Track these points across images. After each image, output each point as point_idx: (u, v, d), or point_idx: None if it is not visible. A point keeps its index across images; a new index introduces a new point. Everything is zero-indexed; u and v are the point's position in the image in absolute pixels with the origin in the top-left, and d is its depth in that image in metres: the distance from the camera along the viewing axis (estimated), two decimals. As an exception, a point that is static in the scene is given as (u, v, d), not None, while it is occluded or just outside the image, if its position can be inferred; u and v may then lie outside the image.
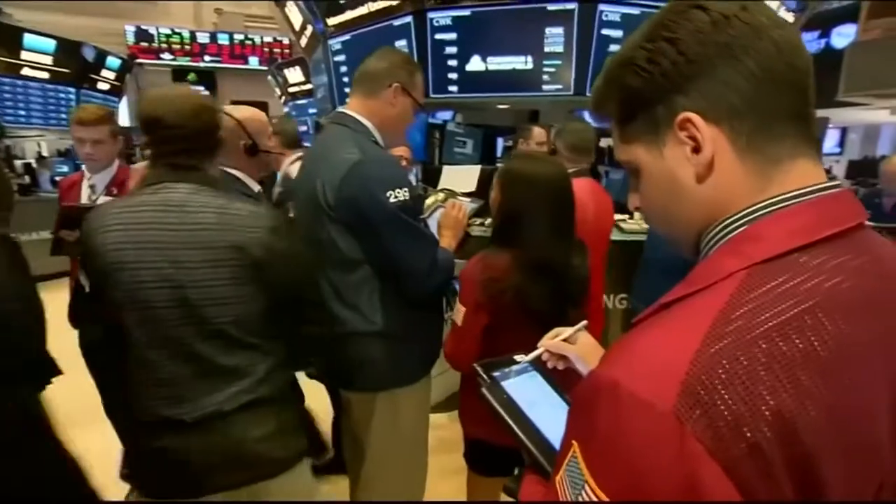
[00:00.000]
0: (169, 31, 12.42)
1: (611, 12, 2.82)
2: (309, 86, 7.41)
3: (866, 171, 7.47)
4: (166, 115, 0.97)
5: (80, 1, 11.22)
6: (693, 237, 0.45)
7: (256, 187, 1.47)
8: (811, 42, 7.50)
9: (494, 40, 2.99)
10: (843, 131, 9.66)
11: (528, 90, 2.97)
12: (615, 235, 2.22)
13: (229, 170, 1.37)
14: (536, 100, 3.18)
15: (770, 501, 0.31)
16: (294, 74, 8.41)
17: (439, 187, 3.09)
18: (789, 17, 3.35)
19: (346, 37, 4.00)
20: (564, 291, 1.16)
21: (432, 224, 1.43)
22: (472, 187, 3.09)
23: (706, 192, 0.42)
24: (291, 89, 8.74)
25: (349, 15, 3.84)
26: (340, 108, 1.36)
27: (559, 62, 2.88)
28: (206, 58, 12.97)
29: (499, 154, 3.95)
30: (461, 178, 3.03)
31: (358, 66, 1.37)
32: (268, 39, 13.54)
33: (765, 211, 0.40)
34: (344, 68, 4.04)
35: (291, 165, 2.32)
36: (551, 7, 2.84)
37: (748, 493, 0.30)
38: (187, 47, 12.67)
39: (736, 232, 0.41)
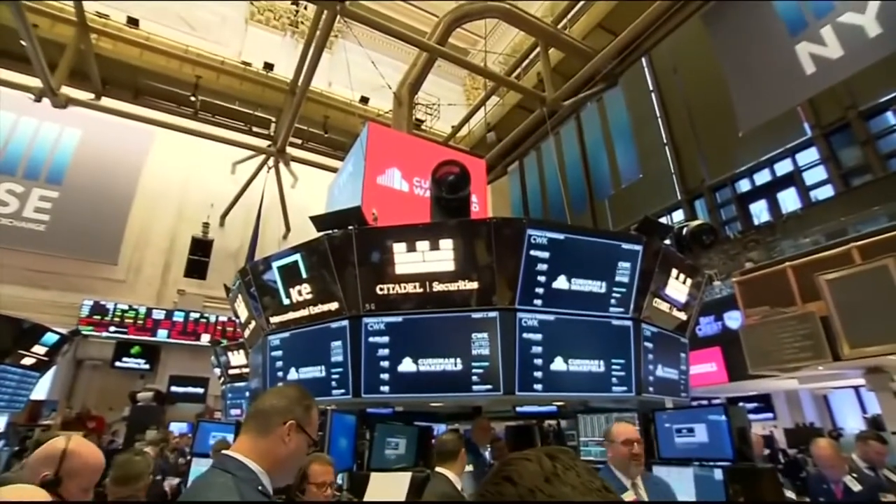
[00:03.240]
0: (126, 307, 12.74)
1: (528, 318, 3.14)
2: (247, 370, 7.33)
3: (803, 440, 7.61)
4: None
5: (49, 274, 11.70)
6: None
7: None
8: (710, 324, 8.63)
9: (425, 344, 3.17)
10: (768, 397, 10.21)
11: (458, 391, 3.01)
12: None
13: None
14: (471, 398, 3.20)
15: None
16: (237, 357, 8.39)
17: (366, 498, 2.76)
18: (682, 315, 3.84)
19: (286, 334, 4.15)
20: None
21: None
22: (401, 496, 2.78)
23: None
24: (232, 371, 8.58)
25: (290, 315, 4.08)
26: (228, 452, 1.25)
27: (486, 363, 3.03)
28: (160, 332, 13.10)
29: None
30: (390, 486, 2.75)
31: (254, 403, 1.32)
32: (223, 318, 14.03)
33: None
34: (279, 363, 4.06)
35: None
36: (475, 315, 3.15)
37: None
38: (140, 322, 12.87)
39: None
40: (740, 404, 9.43)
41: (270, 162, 13.63)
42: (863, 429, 6.10)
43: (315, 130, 14.30)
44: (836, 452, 3.79)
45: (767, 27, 7.69)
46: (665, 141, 16.88)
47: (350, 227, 3.41)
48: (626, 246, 3.30)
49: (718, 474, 3.81)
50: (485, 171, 9.03)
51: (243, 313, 5.48)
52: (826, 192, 13.04)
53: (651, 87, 17.51)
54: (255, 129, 13.94)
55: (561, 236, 3.16)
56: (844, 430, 8.95)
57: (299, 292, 3.88)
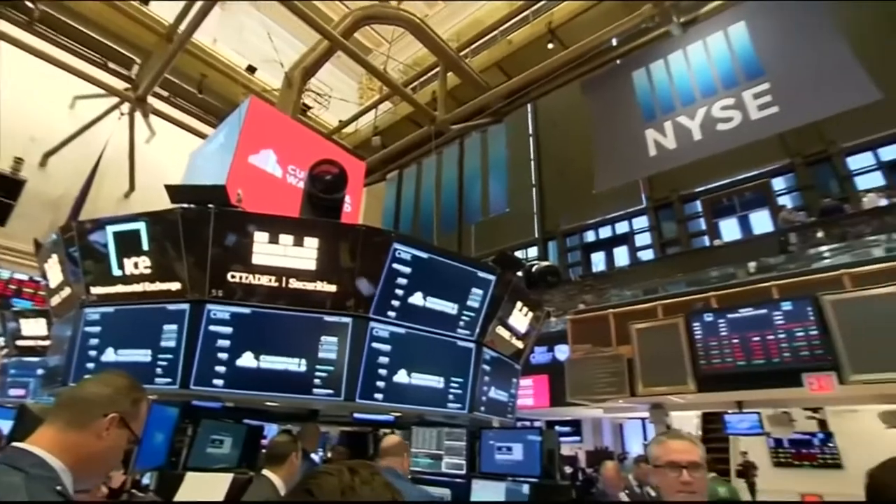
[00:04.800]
0: None
1: (380, 329, 3.22)
2: (46, 343, 6.21)
3: (598, 460, 8.82)
4: None
5: None
6: None
7: None
8: (542, 354, 9.63)
9: (271, 340, 3.05)
10: (579, 423, 11.66)
11: (299, 392, 2.95)
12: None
13: None
14: (310, 401, 3.15)
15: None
16: (33, 326, 7.04)
17: (176, 500, 2.54)
18: (519, 344, 4.26)
19: (109, 309, 3.64)
20: None
21: None
22: (217, 499, 2.61)
23: None
24: (22, 342, 7.16)
25: (119, 289, 3.60)
26: (21, 444, 1.07)
27: (332, 368, 3.02)
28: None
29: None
30: (206, 488, 2.57)
31: (69, 390, 1.16)
32: (22, 276, 11.69)
33: None
34: (95, 341, 3.54)
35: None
36: (328, 318, 3.13)
37: None
38: None
39: None
40: (556, 428, 10.62)
41: (125, 108, 11.86)
42: (641, 453, 7.32)
43: (188, 87, 12.87)
44: (618, 474, 4.52)
45: (628, 108, 9.02)
46: (534, 183, 18.57)
47: (210, 206, 3.16)
48: (481, 274, 3.58)
49: (525, 489, 4.28)
50: (363, 174, 9.00)
51: (55, 277, 4.66)
52: (648, 254, 15.52)
53: (531, 132, 19.19)
54: (111, 65, 12.05)
55: (425, 255, 3.31)
56: (629, 454, 10.60)
57: (135, 265, 3.45)
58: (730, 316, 6.81)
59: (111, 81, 11.78)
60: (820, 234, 10.64)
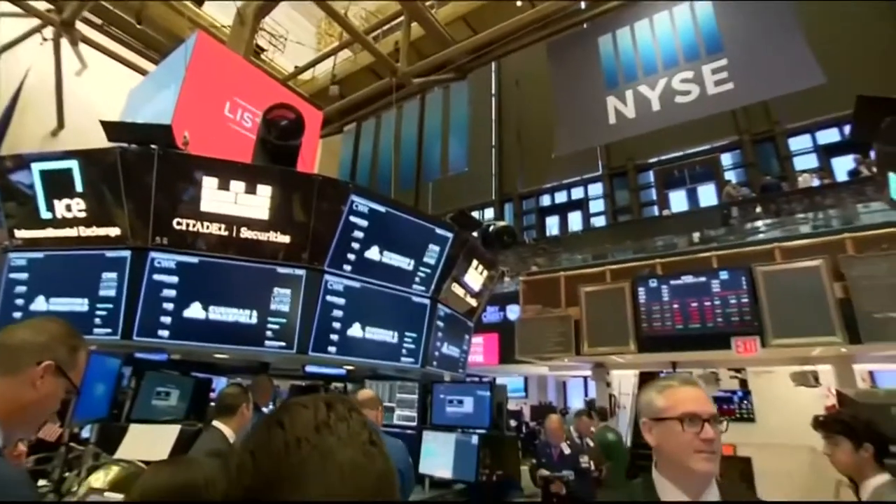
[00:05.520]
0: None
1: (335, 282, 3.17)
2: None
3: (542, 414, 9.31)
4: None
5: None
6: None
7: None
8: (493, 313, 9.87)
9: (220, 291, 2.94)
10: (526, 380, 12.18)
11: (249, 344, 2.88)
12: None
13: None
14: (261, 353, 3.09)
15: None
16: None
17: (116, 455, 2.47)
18: (473, 302, 4.33)
19: (39, 255, 3.38)
20: None
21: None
22: (164, 454, 2.56)
23: None
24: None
25: (49, 233, 3.33)
26: None
27: (284, 320, 2.96)
28: None
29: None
30: (152, 440, 2.50)
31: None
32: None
33: None
34: (22, 288, 3.29)
35: None
36: (281, 270, 3.04)
37: None
38: None
39: None
40: (503, 382, 11.04)
41: (49, 33, 10.66)
42: (581, 408, 7.80)
43: (125, 16, 11.68)
44: (560, 426, 4.79)
45: (591, 74, 9.01)
46: (493, 144, 18.49)
47: (153, 147, 2.94)
48: (439, 231, 3.56)
49: (475, 440, 4.48)
50: (320, 123, 8.63)
51: (-28, 217, 4.26)
52: (601, 221, 16.00)
53: (493, 93, 18.93)
54: (32, -17, 10.71)
55: (382, 209, 3.25)
56: (570, 409, 11.26)
57: (68, 207, 3.19)
58: (672, 283, 7.20)
59: (32, 1, 10.50)
60: (758, 210, 11.31)
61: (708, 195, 14.44)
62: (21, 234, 3.42)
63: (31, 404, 1.04)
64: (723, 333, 6.64)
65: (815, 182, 11.73)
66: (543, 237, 15.99)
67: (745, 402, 8.85)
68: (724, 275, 6.90)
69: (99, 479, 2.03)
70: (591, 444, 5.36)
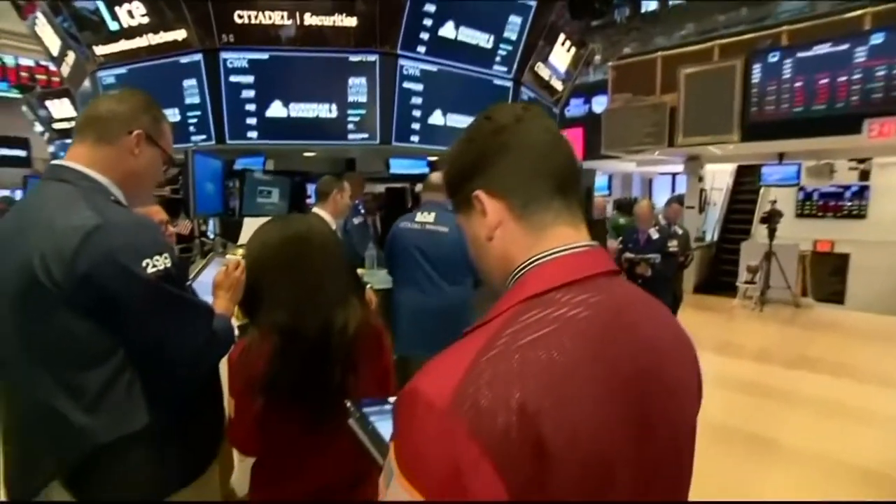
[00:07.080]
0: None
1: (411, 67, 2.95)
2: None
3: (625, 208, 9.23)
4: None
5: None
6: (500, 282, 0.56)
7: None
8: (578, 107, 9.14)
9: (296, 87, 2.86)
10: (610, 177, 11.87)
11: (333, 138, 2.89)
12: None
13: None
14: (347, 147, 3.12)
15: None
16: (60, 108, 7.02)
17: (240, 242, 2.78)
18: (559, 85, 3.94)
19: (122, 70, 3.44)
20: (323, 359, 1.04)
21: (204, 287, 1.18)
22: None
23: (497, 247, 0.55)
24: (58, 125, 7.26)
25: (123, 46, 3.31)
26: (58, 161, 1.02)
27: (364, 111, 2.88)
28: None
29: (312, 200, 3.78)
30: (266, 229, 2.77)
31: (85, 110, 1.07)
32: (27, 62, 11.27)
33: (535, 263, 0.52)
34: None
35: None
36: (353, 58, 2.85)
37: (505, 469, 0.38)
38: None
39: (517, 278, 0.53)
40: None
41: None
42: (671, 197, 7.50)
43: None
44: (650, 211, 4.68)
45: None
46: None
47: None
48: (520, -2, 3.06)
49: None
50: None
51: (53, 43, 4.35)
52: (709, -13, 13.12)
53: None
54: None
55: (455, -26, 2.79)
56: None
57: (130, 13, 3.09)
58: (800, 55, 6.00)
59: None
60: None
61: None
62: (100, 50, 3.45)
63: (137, 171, 1.06)
64: (854, 115, 5.64)
65: None
66: (637, 14, 13.67)
67: (858, 197, 8.04)
68: (877, 38, 5.55)
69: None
70: (680, 231, 5.27)
